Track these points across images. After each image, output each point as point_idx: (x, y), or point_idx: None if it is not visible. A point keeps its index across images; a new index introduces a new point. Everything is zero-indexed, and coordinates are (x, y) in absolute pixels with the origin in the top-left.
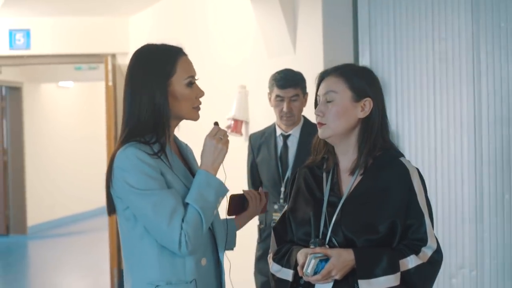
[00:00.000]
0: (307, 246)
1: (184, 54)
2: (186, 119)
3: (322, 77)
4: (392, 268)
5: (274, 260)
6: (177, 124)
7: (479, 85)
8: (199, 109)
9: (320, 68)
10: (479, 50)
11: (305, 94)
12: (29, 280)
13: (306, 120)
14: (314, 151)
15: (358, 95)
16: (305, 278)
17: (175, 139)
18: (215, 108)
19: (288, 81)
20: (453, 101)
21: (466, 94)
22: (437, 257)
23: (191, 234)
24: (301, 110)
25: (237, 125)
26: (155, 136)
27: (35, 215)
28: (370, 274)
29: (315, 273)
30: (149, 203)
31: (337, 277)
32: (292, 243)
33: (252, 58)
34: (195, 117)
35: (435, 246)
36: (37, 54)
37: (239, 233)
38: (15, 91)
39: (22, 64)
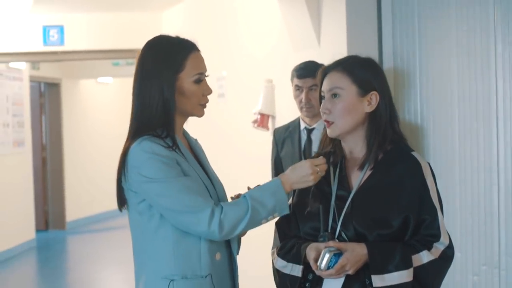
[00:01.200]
0: (315, 240)
1: (196, 50)
2: (191, 115)
3: (325, 72)
4: (405, 264)
5: (278, 255)
6: (185, 120)
7: (500, 76)
8: (205, 106)
9: None
10: (501, 42)
11: None
12: (68, 274)
13: None
14: (321, 146)
15: (364, 90)
16: (318, 273)
17: (185, 133)
18: (243, 102)
19: (306, 71)
20: (476, 92)
21: (488, 85)
22: (449, 252)
23: (228, 220)
24: (312, 106)
25: (264, 119)
26: (166, 131)
27: (73, 210)
28: (383, 269)
29: (328, 267)
30: (173, 189)
31: (350, 272)
32: (297, 238)
33: (278, 51)
34: (200, 114)
35: (447, 242)
36: (71, 50)
37: (257, 230)
38: (53, 87)
39: (56, 60)
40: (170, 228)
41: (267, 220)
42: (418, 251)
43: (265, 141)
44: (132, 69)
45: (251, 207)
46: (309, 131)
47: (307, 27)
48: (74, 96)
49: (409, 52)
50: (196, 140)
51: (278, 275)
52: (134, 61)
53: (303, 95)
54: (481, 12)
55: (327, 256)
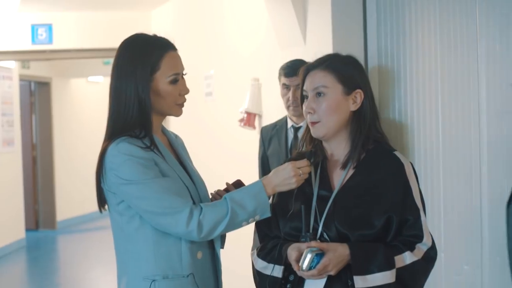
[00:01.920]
0: (296, 241)
1: (173, 49)
2: (168, 115)
3: (308, 71)
4: (388, 264)
5: (259, 256)
6: (163, 118)
7: (483, 74)
8: (182, 105)
9: None
10: (482, 39)
11: None
12: (58, 273)
13: None
14: (301, 145)
15: (349, 88)
16: (299, 273)
17: (164, 130)
18: (229, 101)
19: (293, 69)
20: (461, 90)
21: (471, 83)
22: (432, 253)
23: (207, 222)
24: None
25: (250, 118)
26: (144, 131)
27: (64, 210)
28: (365, 270)
29: (310, 268)
30: (151, 191)
31: (332, 273)
32: (278, 239)
33: (264, 49)
34: (177, 114)
35: (430, 243)
36: (60, 49)
37: (243, 227)
38: (44, 86)
39: (44, 59)
40: (150, 229)
41: (248, 223)
42: (401, 252)
43: (251, 139)
44: None
45: (231, 209)
46: (296, 129)
47: (293, 25)
48: (64, 95)
49: (393, 50)
50: (176, 136)
51: (259, 276)
52: None
53: (290, 94)
54: (466, 10)
55: (309, 256)
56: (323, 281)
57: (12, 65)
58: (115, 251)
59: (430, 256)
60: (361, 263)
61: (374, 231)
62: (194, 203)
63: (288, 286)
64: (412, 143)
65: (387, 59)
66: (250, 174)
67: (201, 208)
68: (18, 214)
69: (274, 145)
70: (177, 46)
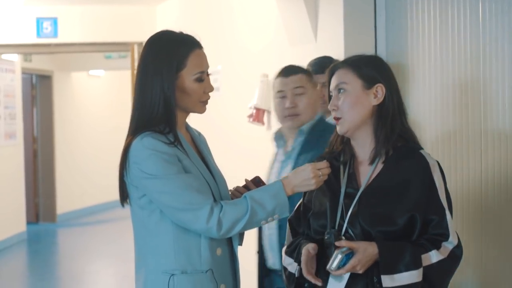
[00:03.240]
0: (322, 238)
1: (198, 47)
2: (192, 112)
3: (332, 71)
4: (415, 263)
5: (286, 253)
6: (187, 115)
7: (486, 70)
8: (206, 103)
9: (341, 56)
10: (485, 36)
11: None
12: (58, 267)
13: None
14: (331, 147)
15: (369, 82)
16: (330, 271)
17: (188, 127)
18: (238, 97)
19: (321, 67)
20: (466, 91)
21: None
22: (457, 252)
23: (227, 219)
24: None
25: (259, 114)
26: (168, 126)
27: (64, 203)
28: (393, 269)
29: (339, 267)
30: (173, 186)
31: (360, 272)
32: (305, 236)
33: (274, 45)
34: (201, 111)
35: (456, 242)
36: (65, 43)
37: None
38: (45, 80)
39: (49, 53)
40: (170, 223)
41: (267, 222)
42: (427, 250)
43: (260, 135)
44: (124, 62)
45: (251, 208)
46: None
47: (304, 22)
48: (65, 88)
49: (401, 49)
50: (199, 133)
51: (284, 271)
52: (127, 54)
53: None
54: (470, 10)
55: (339, 257)
56: (346, 278)
57: (15, 58)
58: (134, 244)
59: (456, 255)
60: (389, 262)
61: (396, 229)
62: (214, 200)
63: (306, 285)
64: (424, 141)
65: (395, 57)
66: (257, 170)
67: (222, 206)
68: (19, 207)
69: None
70: None
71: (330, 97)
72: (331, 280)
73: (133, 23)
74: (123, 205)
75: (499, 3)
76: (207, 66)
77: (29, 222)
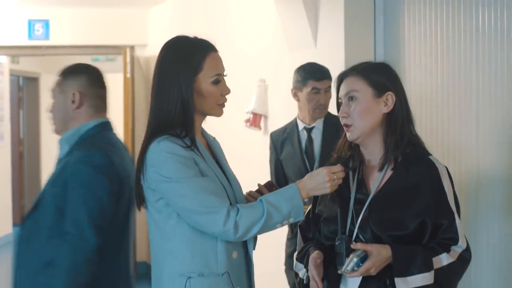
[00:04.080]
0: (332, 244)
1: (214, 51)
2: (209, 115)
3: (341, 79)
4: (427, 266)
5: (297, 259)
6: (203, 119)
7: (479, 74)
8: (223, 106)
9: (341, 63)
10: (478, 44)
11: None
12: None
13: (329, 114)
14: (339, 152)
15: (379, 90)
16: (344, 273)
17: (203, 132)
18: (235, 101)
19: (323, 73)
20: (458, 94)
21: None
22: (466, 255)
23: (243, 222)
24: (329, 103)
25: (256, 119)
26: (185, 130)
27: None
28: (407, 272)
29: (353, 269)
30: (190, 190)
31: (373, 274)
32: (315, 242)
33: (272, 51)
34: (219, 114)
35: (465, 245)
36: (56, 45)
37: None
38: (32, 82)
39: (41, 55)
40: (187, 226)
41: (282, 225)
42: (438, 253)
43: (257, 140)
44: (111, 65)
45: (267, 211)
46: (309, 130)
47: (304, 27)
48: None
49: (398, 56)
50: (214, 138)
51: (295, 277)
52: (115, 57)
53: (321, 97)
54: (465, 15)
55: (354, 260)
56: (358, 281)
57: (3, 59)
58: (150, 247)
59: (465, 258)
60: (402, 265)
61: (407, 233)
62: (230, 203)
63: None
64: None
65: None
66: (254, 175)
67: (238, 209)
68: (5, 209)
69: (287, 148)
70: None
71: (338, 103)
72: (342, 284)
73: (125, 26)
74: (139, 209)
75: (494, 10)
76: (223, 69)
77: (15, 224)
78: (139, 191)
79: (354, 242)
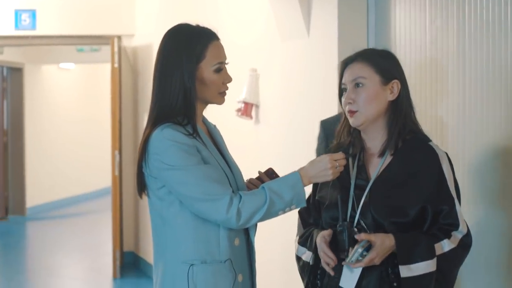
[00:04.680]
0: (334, 230)
1: (216, 39)
2: (211, 103)
3: (346, 64)
4: (430, 253)
5: (299, 243)
6: (205, 107)
7: (466, 68)
8: (225, 94)
9: (334, 53)
10: (464, 37)
11: None
12: (28, 260)
13: None
14: (338, 138)
15: (386, 78)
16: (349, 264)
17: (204, 120)
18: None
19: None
20: (451, 81)
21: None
22: (466, 240)
23: (246, 210)
24: None
25: (247, 108)
26: (187, 118)
27: (34, 196)
28: (411, 260)
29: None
30: (193, 177)
31: (377, 263)
32: (316, 226)
33: (264, 41)
34: (220, 102)
35: (465, 231)
36: (43, 35)
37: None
38: (16, 72)
39: (27, 45)
40: (189, 214)
41: (284, 212)
42: (439, 240)
43: (248, 130)
44: (96, 56)
45: (269, 198)
46: None
47: (297, 17)
48: (36, 81)
49: (388, 44)
50: (215, 126)
51: (297, 261)
52: (99, 47)
53: None
54: (454, 8)
55: (359, 251)
56: (359, 268)
57: None
58: (152, 236)
59: (466, 243)
60: (406, 254)
61: (408, 219)
62: (233, 191)
63: (319, 272)
64: None
65: None
66: (246, 164)
67: (241, 196)
68: None
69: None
70: (163, 34)
71: (341, 89)
72: (345, 271)
73: (112, 16)
74: (140, 196)
75: (480, 3)
76: (225, 57)
77: None
78: (141, 179)
79: (355, 229)
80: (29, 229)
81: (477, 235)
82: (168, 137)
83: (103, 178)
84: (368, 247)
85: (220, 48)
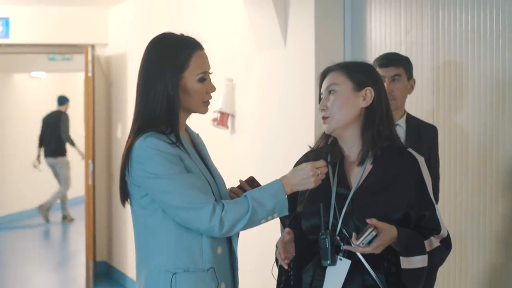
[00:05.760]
0: (315, 237)
1: (200, 49)
2: (195, 112)
3: (325, 74)
4: (424, 249)
5: (276, 245)
6: (188, 116)
7: (438, 76)
8: (208, 103)
9: (311, 63)
10: (438, 41)
11: (410, 78)
12: (1, 270)
13: (409, 114)
14: (316, 146)
15: (359, 85)
16: (355, 248)
17: (187, 129)
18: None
19: (389, 59)
20: (426, 87)
21: (427, 84)
22: (449, 240)
23: (229, 219)
24: (404, 96)
25: (223, 118)
26: (170, 127)
27: (2, 206)
28: (411, 253)
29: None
30: (176, 186)
31: (378, 252)
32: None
33: (240, 50)
34: (204, 111)
35: (446, 234)
36: (16, 43)
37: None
38: None
39: (1, 53)
40: (172, 223)
41: (267, 220)
42: (427, 237)
43: (224, 139)
44: (67, 65)
45: (251, 207)
46: None
47: (273, 27)
48: (7, 89)
49: (364, 54)
50: (198, 135)
51: (276, 263)
52: (71, 56)
53: (386, 86)
54: (422, 15)
55: (373, 234)
56: (343, 277)
57: None
58: (135, 244)
59: (448, 243)
60: (407, 246)
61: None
62: (216, 199)
63: (291, 273)
64: None
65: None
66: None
67: (223, 205)
68: None
69: None
70: (138, 45)
71: (320, 99)
72: (328, 276)
73: (85, 25)
74: (123, 205)
75: (454, 10)
76: (209, 67)
77: None
78: (124, 187)
79: (338, 237)
80: (0, 238)
81: None
82: (151, 145)
83: (76, 187)
84: (375, 236)
85: (204, 58)
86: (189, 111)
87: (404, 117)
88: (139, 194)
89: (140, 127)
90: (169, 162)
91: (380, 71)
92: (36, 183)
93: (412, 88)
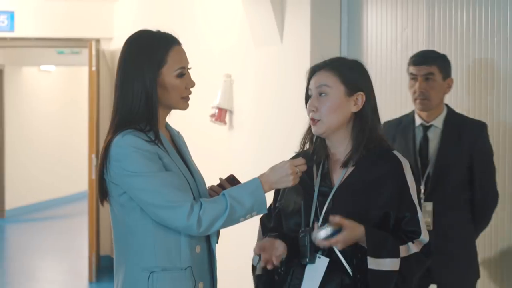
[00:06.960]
0: (297, 236)
1: (178, 44)
2: (175, 108)
3: (313, 71)
4: (396, 252)
5: (254, 251)
6: (168, 113)
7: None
8: (188, 99)
9: (307, 59)
10: (434, 39)
11: (446, 77)
12: (7, 262)
13: (450, 110)
14: (302, 145)
15: (351, 90)
16: (316, 241)
17: (167, 126)
18: (200, 96)
19: (423, 57)
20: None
21: None
22: (430, 248)
23: (207, 217)
24: (438, 96)
25: (221, 114)
26: (149, 124)
27: (13, 199)
28: (378, 254)
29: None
30: (154, 184)
31: (338, 248)
32: (276, 233)
33: (238, 46)
34: (184, 107)
35: (427, 239)
36: (21, 37)
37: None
38: None
39: (5, 47)
40: (150, 221)
41: (245, 219)
42: (404, 242)
43: (222, 135)
44: (76, 58)
45: (230, 205)
46: (426, 128)
47: (270, 23)
48: (16, 83)
49: (357, 52)
50: (178, 132)
51: (253, 271)
52: (80, 50)
53: (417, 85)
54: (418, 13)
55: (329, 229)
56: (319, 278)
57: None
58: (113, 242)
59: (428, 250)
60: (375, 246)
61: (370, 225)
62: (194, 198)
63: (280, 270)
64: None
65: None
66: (220, 170)
67: (201, 204)
68: None
69: (399, 144)
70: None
71: (307, 95)
72: (306, 275)
73: (91, 19)
74: (102, 203)
75: (449, 8)
76: (187, 62)
77: None
78: (102, 185)
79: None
80: (8, 231)
81: None
82: (129, 143)
83: (82, 181)
84: (338, 231)
85: (182, 53)
86: (169, 108)
87: (442, 116)
88: (117, 192)
89: (118, 125)
90: (147, 159)
91: (412, 69)
92: (44, 177)
93: (449, 87)
